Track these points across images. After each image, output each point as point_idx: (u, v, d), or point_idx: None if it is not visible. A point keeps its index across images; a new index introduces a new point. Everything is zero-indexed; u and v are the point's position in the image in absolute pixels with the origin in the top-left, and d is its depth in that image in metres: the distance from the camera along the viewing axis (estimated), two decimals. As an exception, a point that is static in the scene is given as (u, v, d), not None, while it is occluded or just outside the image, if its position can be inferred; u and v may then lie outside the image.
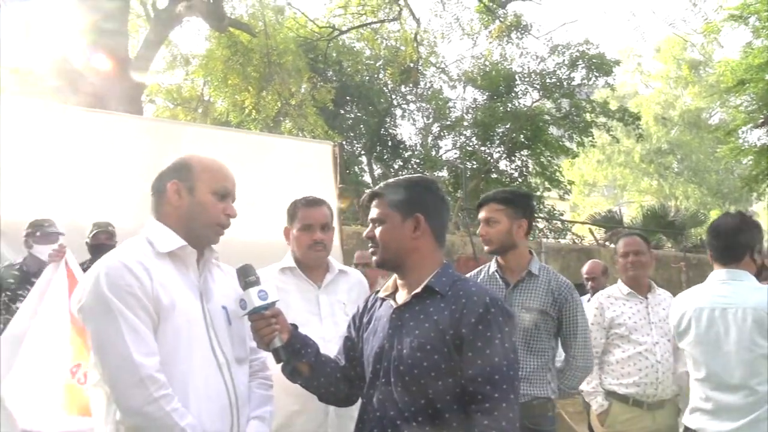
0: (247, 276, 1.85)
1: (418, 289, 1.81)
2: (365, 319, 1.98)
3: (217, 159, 1.92)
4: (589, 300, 3.86)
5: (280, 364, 1.91)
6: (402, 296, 1.88)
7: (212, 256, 1.91)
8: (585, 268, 5.36)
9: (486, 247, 2.84)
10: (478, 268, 2.97)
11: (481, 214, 2.84)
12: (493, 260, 2.89)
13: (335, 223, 2.98)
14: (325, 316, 2.61)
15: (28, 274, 4.29)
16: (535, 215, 14.69)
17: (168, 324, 1.70)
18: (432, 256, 1.87)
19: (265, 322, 1.83)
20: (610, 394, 3.40)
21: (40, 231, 4.28)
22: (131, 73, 9.80)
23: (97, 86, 9.04)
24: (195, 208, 1.81)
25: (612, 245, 12.53)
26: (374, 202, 1.92)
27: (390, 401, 1.76)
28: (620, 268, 3.53)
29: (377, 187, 1.96)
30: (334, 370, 1.98)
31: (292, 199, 2.77)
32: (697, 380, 2.57)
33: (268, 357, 1.98)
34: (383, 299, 1.94)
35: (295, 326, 1.95)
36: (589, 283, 5.24)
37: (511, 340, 1.74)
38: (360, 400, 1.92)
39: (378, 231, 1.88)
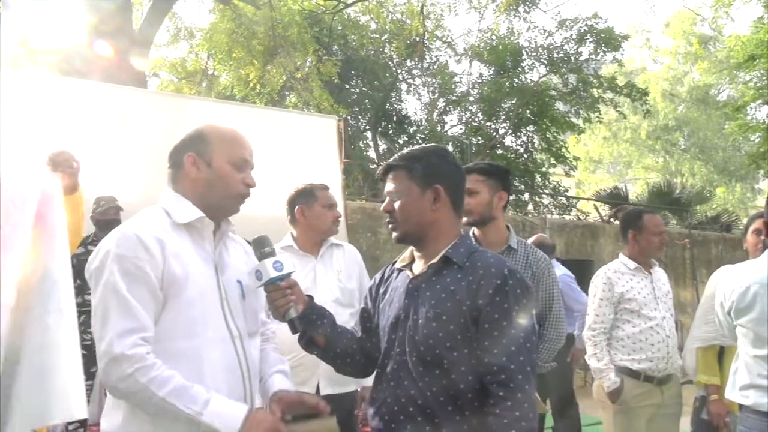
0: (262, 247, 1.84)
1: (435, 260, 1.79)
2: (381, 290, 1.97)
3: (235, 128, 1.89)
4: None
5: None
6: (419, 267, 1.86)
7: (229, 229, 1.90)
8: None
9: (464, 219, 2.73)
10: None
11: None
12: (470, 234, 2.83)
13: (339, 198, 3.29)
14: (320, 282, 2.98)
15: None
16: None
17: (182, 296, 1.69)
18: (451, 228, 1.84)
19: (280, 293, 1.82)
20: (621, 370, 3.35)
21: None
22: (135, 46, 9.70)
23: (102, 59, 8.97)
24: (214, 179, 1.80)
25: (617, 222, 12.48)
26: (390, 175, 1.87)
27: (405, 371, 1.75)
28: (648, 245, 3.47)
29: (392, 159, 1.91)
30: (351, 341, 1.97)
31: (298, 174, 2.95)
32: (758, 357, 2.49)
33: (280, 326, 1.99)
34: (400, 270, 1.93)
35: (311, 297, 1.94)
36: None
37: (529, 312, 1.73)
38: (375, 371, 1.92)
39: (397, 204, 1.83)
